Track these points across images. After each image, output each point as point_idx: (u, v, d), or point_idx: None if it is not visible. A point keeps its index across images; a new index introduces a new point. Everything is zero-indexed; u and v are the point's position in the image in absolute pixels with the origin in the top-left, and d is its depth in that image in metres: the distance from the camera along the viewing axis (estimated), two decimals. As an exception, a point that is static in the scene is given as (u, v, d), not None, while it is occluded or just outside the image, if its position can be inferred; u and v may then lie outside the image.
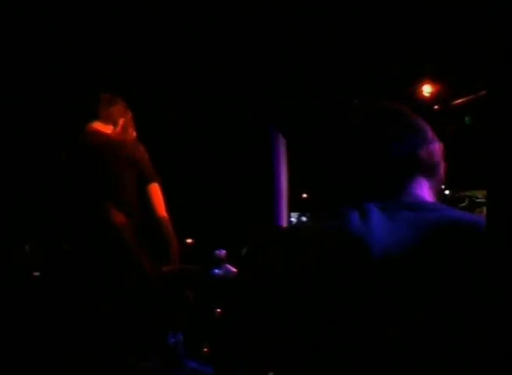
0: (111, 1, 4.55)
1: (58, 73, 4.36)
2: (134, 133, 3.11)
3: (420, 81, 4.28)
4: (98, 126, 3.03)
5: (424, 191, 1.51)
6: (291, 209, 3.71)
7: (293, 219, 4.54)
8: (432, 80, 3.97)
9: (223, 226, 4.25)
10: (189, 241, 3.20)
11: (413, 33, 4.31)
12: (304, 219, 4.53)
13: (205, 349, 2.98)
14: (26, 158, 3.19)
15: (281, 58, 4.76)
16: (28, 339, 2.91)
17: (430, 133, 1.54)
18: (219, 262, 2.99)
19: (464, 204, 2.36)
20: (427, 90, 3.92)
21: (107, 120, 3.05)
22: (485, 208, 2.37)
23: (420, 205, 1.44)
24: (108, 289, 2.70)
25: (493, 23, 1.16)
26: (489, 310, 1.16)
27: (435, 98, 4.06)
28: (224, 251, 2.99)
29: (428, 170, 1.51)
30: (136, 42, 4.60)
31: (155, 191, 2.88)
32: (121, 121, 3.10)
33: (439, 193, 1.54)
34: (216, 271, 2.94)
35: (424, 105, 4.15)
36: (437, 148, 1.53)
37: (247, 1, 4.55)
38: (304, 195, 4.06)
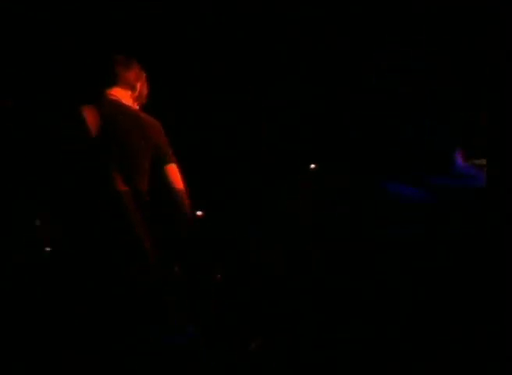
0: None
1: (58, 71, 4.38)
2: (146, 91, 3.10)
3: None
4: (118, 92, 2.99)
5: None
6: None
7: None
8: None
9: (232, 198, 4.28)
10: (199, 213, 3.23)
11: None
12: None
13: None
14: (33, 129, 3.18)
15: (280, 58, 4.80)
16: (37, 316, 2.91)
17: None
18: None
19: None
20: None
21: (125, 85, 3.02)
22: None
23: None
24: (102, 257, 2.69)
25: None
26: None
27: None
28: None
29: None
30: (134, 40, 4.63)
31: (173, 171, 2.87)
32: (138, 85, 3.09)
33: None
34: None
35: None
36: None
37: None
38: (312, 166, 4.08)
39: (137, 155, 2.81)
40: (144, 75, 3.12)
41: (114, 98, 2.94)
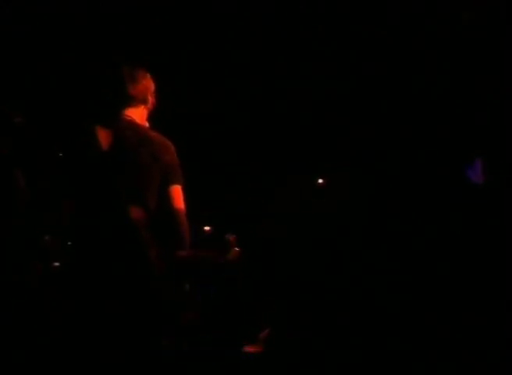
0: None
1: (61, 70, 4.43)
2: (153, 100, 3.10)
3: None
4: (132, 112, 2.96)
5: None
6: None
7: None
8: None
9: (239, 213, 4.35)
10: (207, 228, 3.28)
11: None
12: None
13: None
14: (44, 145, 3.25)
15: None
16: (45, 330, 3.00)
17: None
18: (228, 247, 3.09)
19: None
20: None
21: (137, 102, 3.00)
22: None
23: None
24: (108, 269, 2.75)
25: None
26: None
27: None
28: (233, 236, 3.09)
29: None
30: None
31: (176, 192, 2.87)
32: (150, 98, 3.08)
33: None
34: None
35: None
36: None
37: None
38: (320, 181, 4.15)
39: (145, 174, 2.84)
40: (152, 83, 3.11)
41: (128, 118, 2.97)
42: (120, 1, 4.57)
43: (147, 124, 3.10)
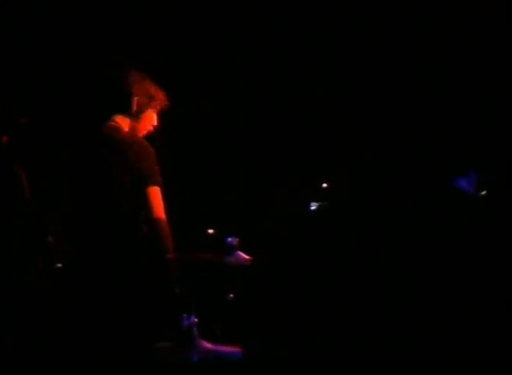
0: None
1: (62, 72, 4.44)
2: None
3: None
4: (120, 119, 2.97)
5: None
6: (311, 199, 3.82)
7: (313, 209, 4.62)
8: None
9: (243, 216, 4.35)
10: (210, 231, 3.26)
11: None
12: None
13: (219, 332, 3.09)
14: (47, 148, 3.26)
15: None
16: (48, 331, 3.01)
17: None
18: (231, 250, 3.08)
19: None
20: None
21: (127, 109, 2.99)
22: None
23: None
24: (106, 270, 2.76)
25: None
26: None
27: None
28: (236, 239, 3.08)
29: None
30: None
31: (153, 194, 2.80)
32: (149, 102, 3.05)
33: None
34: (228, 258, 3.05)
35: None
36: None
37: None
38: (324, 185, 4.15)
39: (116, 178, 2.81)
40: (151, 87, 3.07)
41: (113, 124, 2.96)
42: (120, 1, 4.58)
43: (153, 124, 3.07)
